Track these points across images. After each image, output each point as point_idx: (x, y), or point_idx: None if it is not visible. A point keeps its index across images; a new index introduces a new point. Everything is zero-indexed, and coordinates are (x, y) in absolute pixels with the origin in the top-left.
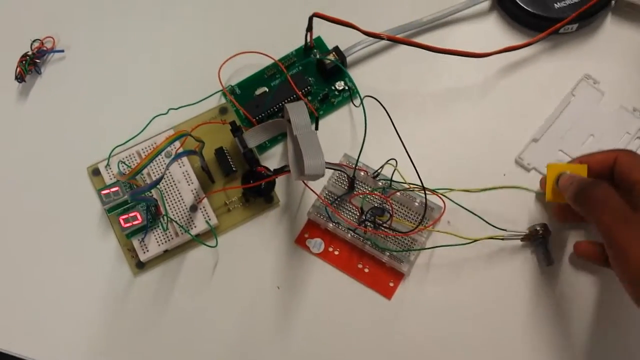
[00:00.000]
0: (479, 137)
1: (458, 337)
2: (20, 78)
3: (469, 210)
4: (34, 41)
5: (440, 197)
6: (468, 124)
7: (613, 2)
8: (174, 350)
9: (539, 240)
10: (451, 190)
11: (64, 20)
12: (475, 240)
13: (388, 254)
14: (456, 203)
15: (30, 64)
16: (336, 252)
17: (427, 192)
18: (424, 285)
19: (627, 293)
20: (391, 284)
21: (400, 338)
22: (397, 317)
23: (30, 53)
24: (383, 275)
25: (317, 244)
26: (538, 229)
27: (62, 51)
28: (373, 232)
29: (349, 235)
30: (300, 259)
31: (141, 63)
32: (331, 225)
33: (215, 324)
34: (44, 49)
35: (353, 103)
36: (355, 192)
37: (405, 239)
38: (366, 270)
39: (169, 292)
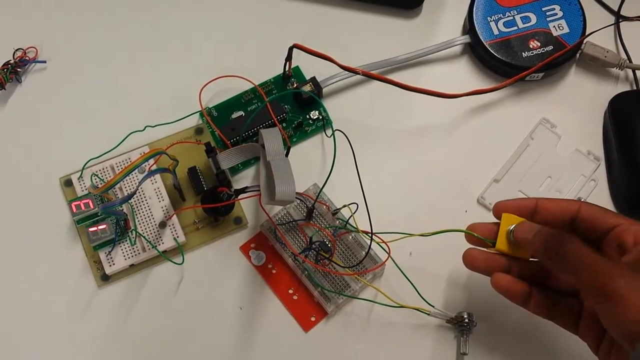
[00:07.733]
0: (444, 175)
1: None
2: (0, 85)
3: (404, 275)
4: (16, 50)
5: (386, 249)
6: (434, 162)
7: (578, 55)
8: None
9: (463, 328)
10: (410, 235)
11: (49, 31)
12: (402, 307)
13: (319, 289)
14: (396, 264)
15: (12, 73)
16: (274, 271)
17: (374, 240)
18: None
19: (624, 347)
20: (312, 319)
21: None
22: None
23: (12, 62)
24: (308, 308)
25: (259, 256)
26: (465, 316)
27: (44, 62)
28: (311, 263)
29: (291, 260)
30: (261, 281)
31: (122, 80)
32: (278, 245)
33: (174, 341)
34: (26, 58)
35: (325, 133)
36: (309, 222)
37: (339, 282)
38: (295, 297)
39: (131, 306)
